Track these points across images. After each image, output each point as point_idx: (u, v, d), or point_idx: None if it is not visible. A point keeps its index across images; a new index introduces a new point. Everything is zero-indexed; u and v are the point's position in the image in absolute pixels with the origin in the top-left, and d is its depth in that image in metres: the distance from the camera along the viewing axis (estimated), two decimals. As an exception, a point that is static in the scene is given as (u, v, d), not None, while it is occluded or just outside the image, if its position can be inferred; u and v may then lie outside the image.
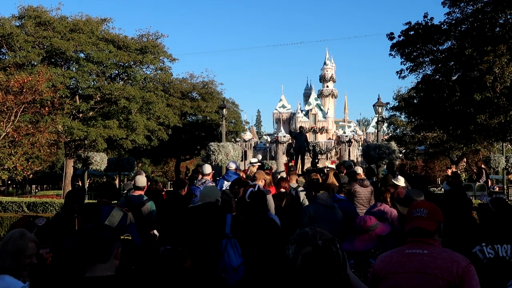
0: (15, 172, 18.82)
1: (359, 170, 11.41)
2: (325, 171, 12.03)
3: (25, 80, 17.61)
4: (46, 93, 18.83)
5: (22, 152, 18.16)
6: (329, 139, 67.98)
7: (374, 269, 2.82)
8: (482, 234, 3.95)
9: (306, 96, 74.28)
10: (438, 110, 18.41)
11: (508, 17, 16.38)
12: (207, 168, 8.97)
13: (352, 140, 57.88)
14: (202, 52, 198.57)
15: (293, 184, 8.65)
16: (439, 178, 41.98)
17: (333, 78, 72.32)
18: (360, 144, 63.48)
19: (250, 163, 12.80)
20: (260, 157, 16.71)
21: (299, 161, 19.41)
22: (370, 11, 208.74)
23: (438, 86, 18.22)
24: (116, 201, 6.57)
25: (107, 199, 5.45)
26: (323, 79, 72.20)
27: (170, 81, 29.50)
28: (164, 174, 51.40)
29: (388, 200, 6.88)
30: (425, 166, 44.57)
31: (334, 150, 64.29)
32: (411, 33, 18.10)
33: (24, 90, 17.65)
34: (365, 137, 70.19)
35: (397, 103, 28.92)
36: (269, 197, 6.43)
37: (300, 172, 17.30)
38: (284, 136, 64.53)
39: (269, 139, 71.61)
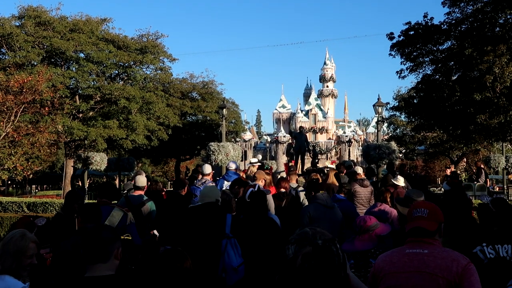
0: (15, 172, 18.82)
1: (359, 170, 11.41)
2: (325, 171, 12.03)
3: (25, 80, 17.61)
4: (46, 93, 18.83)
5: (22, 152, 18.16)
6: (329, 139, 67.98)
7: (374, 268, 2.82)
8: (483, 234, 3.95)
9: (306, 96, 74.27)
10: (438, 110, 18.41)
11: (508, 17, 16.38)
12: (207, 168, 8.96)
13: (352, 140, 57.88)
14: (202, 52, 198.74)
15: (293, 184, 8.65)
16: (439, 178, 41.98)
17: (333, 78, 72.32)
18: (360, 144, 63.49)
19: (250, 163, 12.80)
20: (260, 157, 16.71)
21: (299, 161, 19.41)
22: (370, 11, 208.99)
23: (438, 86, 18.22)
24: (116, 201, 6.57)
25: (107, 199, 5.46)
26: (323, 79, 72.21)
27: (170, 81, 29.52)
28: (164, 174, 51.40)
29: (388, 200, 6.88)
30: (425, 166, 44.58)
31: (334, 150, 64.30)
32: (411, 33, 18.10)
33: (24, 90, 17.65)
34: (365, 137, 70.19)
35: (397, 103, 28.93)
36: (269, 197, 6.44)
37: (300, 172, 17.30)
38: (284, 136, 64.54)
39: (269, 139, 71.61)
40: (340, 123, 72.62)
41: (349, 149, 49.61)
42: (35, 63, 22.13)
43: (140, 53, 25.09)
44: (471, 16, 17.05)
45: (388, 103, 26.57)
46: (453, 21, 17.60)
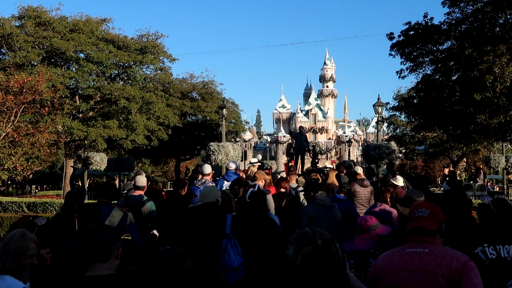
0: (15, 172, 18.84)
1: (359, 170, 11.41)
2: (325, 171, 12.03)
3: (25, 80, 17.62)
4: (46, 93, 18.84)
5: (22, 152, 18.18)
6: (329, 139, 67.96)
7: (374, 268, 2.82)
8: (484, 235, 3.95)
9: (306, 96, 74.23)
10: (438, 110, 18.40)
11: (508, 17, 16.38)
12: (207, 168, 8.96)
13: (352, 140, 57.86)
14: (202, 52, 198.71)
15: (293, 184, 8.65)
16: (439, 178, 41.97)
17: (333, 78, 72.29)
18: (360, 144, 63.46)
19: (250, 163, 12.82)
20: (260, 157, 16.72)
21: (299, 161, 19.40)
22: (370, 11, 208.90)
23: (438, 86, 18.22)
24: (116, 201, 6.58)
25: (107, 199, 5.46)
26: (323, 79, 72.16)
27: (170, 81, 29.54)
28: (164, 174, 51.41)
29: (388, 200, 6.89)
30: (425, 166, 44.57)
31: (334, 150, 64.29)
32: (411, 33, 18.10)
33: (24, 90, 17.67)
34: (365, 137, 70.16)
35: (397, 103, 28.92)
36: (269, 197, 6.44)
37: (300, 172, 17.30)
38: (284, 136, 64.52)
39: (269, 139, 71.58)
40: (340, 123, 72.59)
41: (349, 149, 49.58)
42: (35, 63, 22.14)
43: (140, 53, 25.10)
44: (471, 16, 17.06)
45: (388, 103, 26.59)
46: (453, 21, 17.61)
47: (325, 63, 72.22)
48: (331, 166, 12.59)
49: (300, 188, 8.45)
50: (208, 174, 8.87)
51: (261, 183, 7.57)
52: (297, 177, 10.17)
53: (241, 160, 24.00)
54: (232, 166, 9.43)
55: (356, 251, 4.85)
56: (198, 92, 33.20)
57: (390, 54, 18.88)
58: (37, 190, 49.85)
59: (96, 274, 2.64)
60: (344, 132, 68.28)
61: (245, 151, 31.22)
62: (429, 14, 17.88)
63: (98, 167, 19.13)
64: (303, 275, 1.71)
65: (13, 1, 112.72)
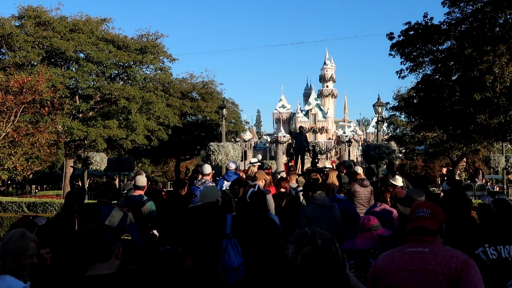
0: (15, 172, 18.83)
1: (359, 170, 11.41)
2: (325, 171, 12.03)
3: (25, 80, 17.62)
4: (46, 93, 18.84)
5: (22, 152, 18.17)
6: (329, 139, 67.97)
7: (374, 268, 2.82)
8: (484, 235, 3.95)
9: (306, 96, 74.24)
10: (438, 110, 18.39)
11: (508, 17, 16.37)
12: (207, 168, 8.96)
13: (352, 140, 57.86)
14: (202, 52, 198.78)
15: (293, 184, 8.65)
16: (438, 178, 41.95)
17: (333, 78, 72.30)
18: (360, 144, 63.47)
19: (250, 163, 12.82)
20: (260, 157, 16.72)
21: (299, 161, 19.40)
22: (370, 11, 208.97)
23: (438, 86, 18.21)
24: (116, 201, 6.58)
25: (107, 199, 5.46)
26: (323, 79, 72.17)
27: (170, 81, 29.53)
28: (164, 174, 51.42)
29: (388, 200, 6.89)
30: (425, 166, 44.55)
31: (334, 150, 64.32)
32: (411, 33, 18.09)
33: (24, 90, 17.66)
34: (365, 137, 70.16)
35: (397, 103, 28.91)
36: (269, 197, 6.44)
37: (300, 172, 17.30)
38: (284, 136, 64.53)
39: (269, 139, 71.59)
40: (340, 123, 72.60)
41: (349, 149, 49.60)
42: (35, 63, 22.13)
43: (140, 53, 25.10)
44: (471, 16, 17.04)
45: (388, 103, 26.59)
46: (453, 21, 17.59)
47: (325, 63, 72.23)
48: (331, 166, 12.59)
49: (300, 188, 8.45)
50: (208, 174, 8.87)
51: (261, 183, 7.57)
52: (297, 177, 10.17)
53: (241, 160, 24.01)
54: (232, 166, 9.43)
55: (356, 250, 4.86)
56: (198, 92, 33.20)
57: (390, 54, 18.88)
58: (37, 190, 49.85)
59: (97, 274, 2.64)
60: (344, 132, 68.28)
61: (245, 151, 31.22)
62: (429, 14, 17.88)
63: (98, 167, 19.14)
64: (303, 275, 1.71)
65: (13, 1, 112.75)
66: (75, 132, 21.83)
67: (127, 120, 23.95)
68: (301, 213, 5.95)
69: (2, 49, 23.03)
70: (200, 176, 9.28)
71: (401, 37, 18.39)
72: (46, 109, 19.48)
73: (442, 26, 17.78)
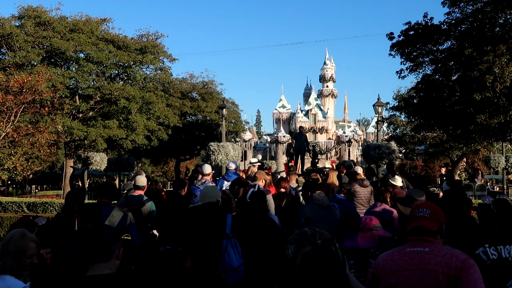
0: (15, 172, 18.83)
1: (359, 170, 11.41)
2: (325, 171, 12.03)
3: (25, 80, 17.62)
4: (46, 93, 18.84)
5: (22, 152, 18.17)
6: (329, 139, 67.98)
7: (374, 267, 2.82)
8: (485, 235, 3.95)
9: (306, 96, 74.26)
10: (438, 110, 18.39)
11: (508, 17, 16.36)
12: (207, 168, 8.96)
13: (352, 140, 57.86)
14: (202, 52, 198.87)
15: (293, 184, 8.65)
16: (438, 178, 41.95)
17: (333, 78, 72.31)
18: (360, 144, 63.47)
19: (250, 163, 12.82)
20: (260, 157, 16.71)
21: (299, 161, 19.40)
22: (370, 11, 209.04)
23: (438, 86, 18.21)
24: (116, 201, 6.58)
25: (107, 199, 5.46)
26: (323, 79, 72.19)
27: (170, 81, 29.54)
28: (164, 174, 51.42)
29: (388, 200, 6.89)
30: (425, 166, 44.54)
31: (334, 150, 64.32)
32: (411, 33, 18.09)
33: (24, 90, 17.66)
34: (365, 137, 70.17)
35: (397, 103, 28.92)
36: (269, 197, 6.44)
37: (300, 172, 17.30)
38: (284, 136, 64.54)
39: (269, 139, 71.60)
40: (340, 123, 72.61)
41: (349, 149, 49.58)
42: (35, 63, 22.13)
43: (140, 53, 25.10)
44: (471, 16, 17.04)
45: (388, 103, 26.59)
46: (453, 21, 17.59)
47: (325, 63, 72.25)
48: (331, 166, 12.59)
49: (300, 188, 8.45)
50: (208, 174, 8.87)
51: (261, 183, 7.57)
52: (297, 177, 10.17)
53: (241, 160, 24.01)
54: (232, 166, 9.43)
55: (357, 250, 4.87)
56: (198, 92, 33.21)
57: (390, 54, 18.87)
58: (37, 190, 49.85)
59: (97, 273, 2.64)
60: (344, 132, 68.29)
61: (245, 151, 31.23)
62: (429, 14, 17.88)
63: (98, 167, 19.13)
64: (303, 275, 1.71)
65: (13, 1, 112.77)
66: (75, 132, 21.83)
67: (127, 120, 23.95)
68: (300, 213, 5.94)
69: (2, 49, 23.03)
70: (200, 176, 9.28)
71: (401, 37, 18.39)
72: (46, 109, 19.48)
73: (442, 26, 17.78)
